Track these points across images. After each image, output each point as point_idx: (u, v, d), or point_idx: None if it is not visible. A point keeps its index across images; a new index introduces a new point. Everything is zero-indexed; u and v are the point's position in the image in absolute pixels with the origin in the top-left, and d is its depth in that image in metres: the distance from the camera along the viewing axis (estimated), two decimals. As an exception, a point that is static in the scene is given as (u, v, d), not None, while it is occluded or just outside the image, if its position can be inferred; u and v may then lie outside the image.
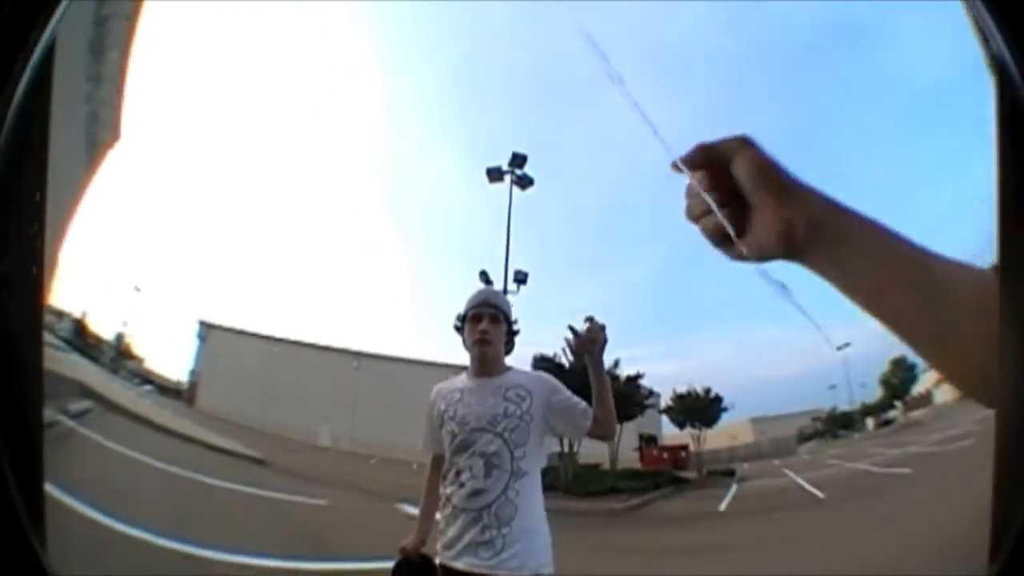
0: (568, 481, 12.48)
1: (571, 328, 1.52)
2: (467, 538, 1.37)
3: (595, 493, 12.10)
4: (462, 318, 1.63)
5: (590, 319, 1.52)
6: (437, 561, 1.45)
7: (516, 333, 1.69)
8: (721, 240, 0.55)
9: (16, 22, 0.63)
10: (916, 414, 16.82)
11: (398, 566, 1.55)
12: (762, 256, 0.53)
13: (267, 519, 6.45)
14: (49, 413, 6.69)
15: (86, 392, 10.47)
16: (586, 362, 1.52)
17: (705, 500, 11.60)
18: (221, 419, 18.95)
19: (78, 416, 8.18)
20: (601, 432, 1.53)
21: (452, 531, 1.41)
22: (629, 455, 16.70)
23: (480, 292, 1.65)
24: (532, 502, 1.43)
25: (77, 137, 14.36)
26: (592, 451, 15.23)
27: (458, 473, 1.44)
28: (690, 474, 16.08)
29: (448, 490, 1.46)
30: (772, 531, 7.82)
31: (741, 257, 0.54)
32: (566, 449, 15.81)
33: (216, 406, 22.38)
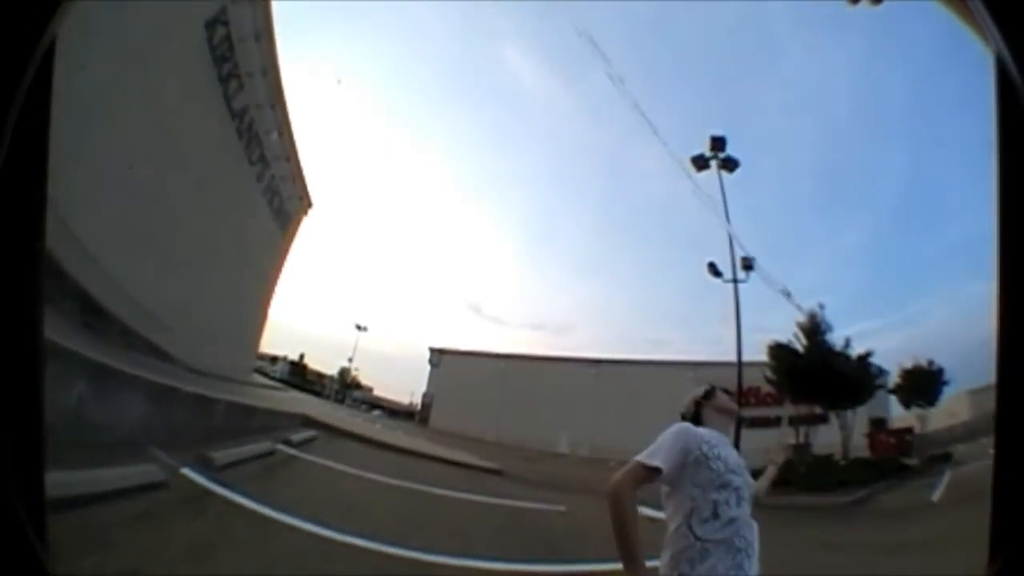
0: (800, 475, 12.17)
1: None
2: (720, 569, 1.49)
3: (825, 487, 11.88)
4: (710, 391, 1.96)
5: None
6: None
7: None
8: None
9: (16, 22, 0.64)
10: None
11: None
12: None
13: (503, 526, 6.78)
14: (268, 444, 7.83)
15: (309, 423, 12.24)
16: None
17: (921, 489, 11.38)
18: (456, 436, 20.51)
19: (301, 445, 9.46)
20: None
21: (705, 566, 1.51)
22: (860, 441, 16.45)
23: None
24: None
25: (262, 212, 17.96)
26: (826, 440, 15.40)
27: (715, 506, 1.58)
28: (912, 460, 15.43)
29: (701, 529, 1.55)
30: (980, 524, 6.30)
31: None
32: (800, 440, 15.54)
33: (450, 424, 24.42)
